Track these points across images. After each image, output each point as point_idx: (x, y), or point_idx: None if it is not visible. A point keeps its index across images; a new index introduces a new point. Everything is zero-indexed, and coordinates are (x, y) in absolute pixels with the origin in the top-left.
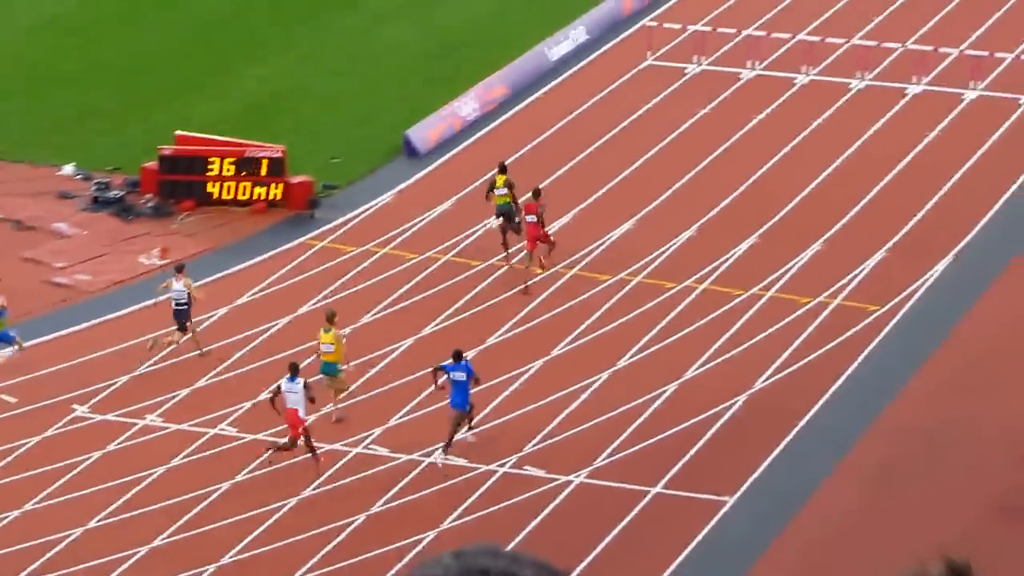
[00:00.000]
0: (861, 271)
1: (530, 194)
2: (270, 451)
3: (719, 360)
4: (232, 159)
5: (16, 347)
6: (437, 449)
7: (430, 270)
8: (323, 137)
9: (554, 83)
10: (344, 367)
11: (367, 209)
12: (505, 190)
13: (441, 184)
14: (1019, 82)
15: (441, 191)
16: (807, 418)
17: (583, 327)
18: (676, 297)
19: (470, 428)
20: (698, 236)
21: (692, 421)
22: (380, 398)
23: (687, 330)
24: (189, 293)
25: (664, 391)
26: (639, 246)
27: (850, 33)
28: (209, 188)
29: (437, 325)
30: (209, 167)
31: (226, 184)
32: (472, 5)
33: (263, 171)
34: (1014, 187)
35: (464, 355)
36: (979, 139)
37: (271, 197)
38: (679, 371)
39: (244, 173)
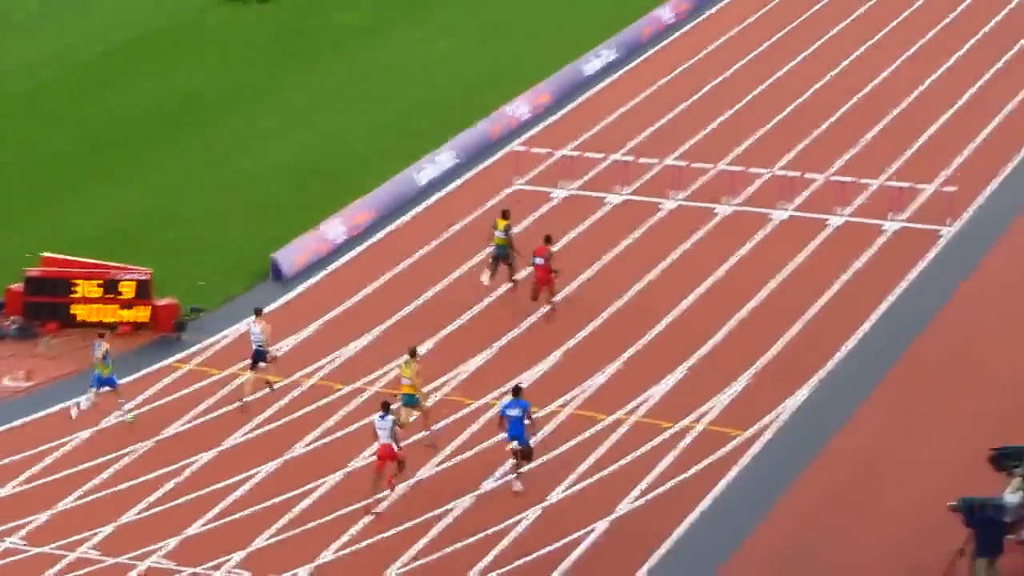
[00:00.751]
0: (725, 395)
1: (543, 239)
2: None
3: (583, 484)
4: (98, 281)
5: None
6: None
7: (295, 393)
8: (190, 260)
9: (421, 207)
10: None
11: (234, 332)
12: (503, 234)
13: (307, 308)
14: (883, 208)
15: (307, 314)
16: (670, 542)
17: (447, 452)
18: (542, 421)
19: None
20: (563, 361)
21: (555, 545)
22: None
23: (551, 455)
24: (265, 337)
25: (527, 515)
26: (503, 376)
27: (717, 158)
28: (74, 310)
29: (301, 449)
30: (74, 289)
31: (92, 306)
32: (341, 129)
33: (129, 294)
34: (880, 310)
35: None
36: (844, 263)
37: (137, 320)
38: (543, 495)
39: (110, 295)
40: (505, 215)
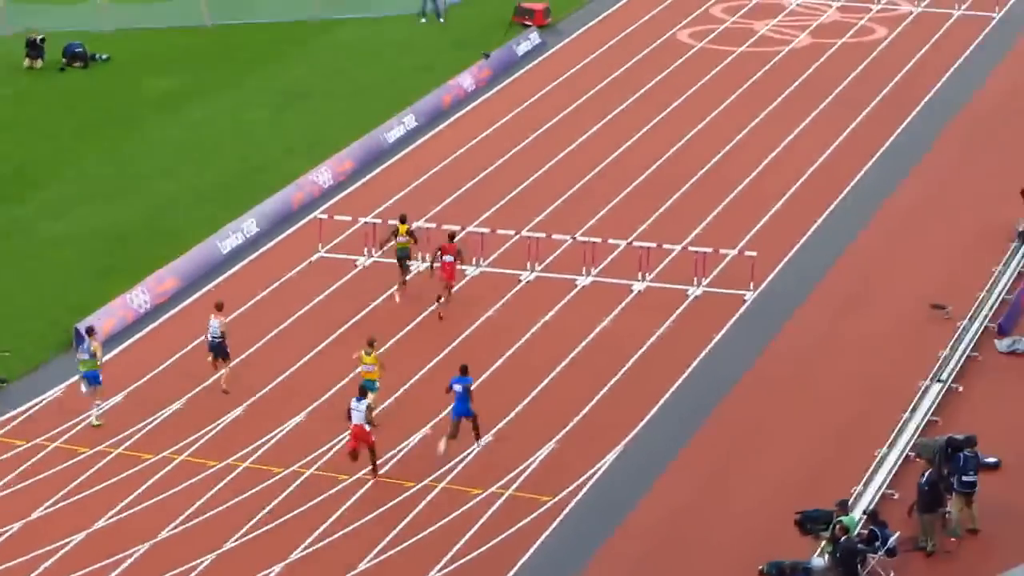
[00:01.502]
0: (533, 461)
1: (447, 238)
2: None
3: (389, 553)
4: None
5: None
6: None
7: (100, 464)
8: None
9: (225, 275)
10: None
11: (37, 403)
12: (406, 238)
13: (112, 377)
14: (686, 274)
15: (112, 384)
16: None
17: (253, 521)
18: (351, 488)
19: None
20: (373, 429)
21: None
22: None
23: (356, 524)
24: (223, 331)
25: None
26: (318, 439)
27: (520, 225)
28: None
29: (109, 519)
30: None
31: None
32: (147, 197)
33: None
34: (685, 374)
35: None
36: (649, 328)
37: None
38: (353, 564)
39: None
40: (403, 219)
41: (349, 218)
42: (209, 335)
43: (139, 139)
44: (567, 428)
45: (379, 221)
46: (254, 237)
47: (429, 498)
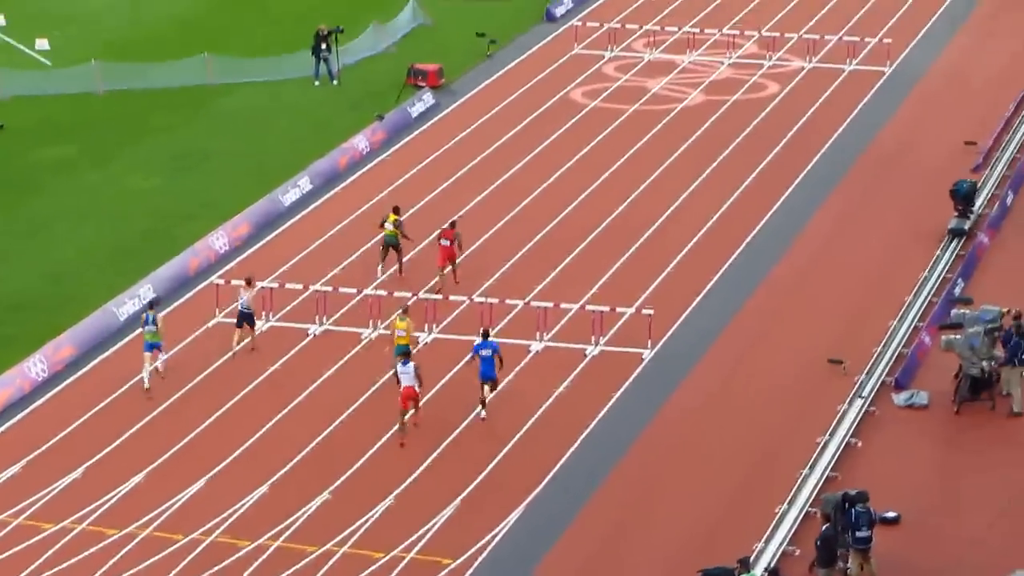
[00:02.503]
0: (435, 523)
1: (447, 224)
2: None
3: None
4: None
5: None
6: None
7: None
8: None
9: (123, 341)
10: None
11: None
12: (392, 226)
13: (10, 446)
14: (584, 333)
15: (10, 454)
16: None
17: None
18: (251, 555)
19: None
20: (270, 492)
21: None
22: None
23: None
24: (251, 303)
25: None
26: (220, 504)
27: (416, 288)
28: None
29: None
30: None
31: None
32: (42, 264)
33: None
34: (584, 433)
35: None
36: (548, 387)
37: None
38: None
39: None
40: (396, 211)
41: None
42: (240, 307)
43: (35, 205)
44: (469, 489)
45: (276, 285)
46: (152, 302)
47: (331, 563)
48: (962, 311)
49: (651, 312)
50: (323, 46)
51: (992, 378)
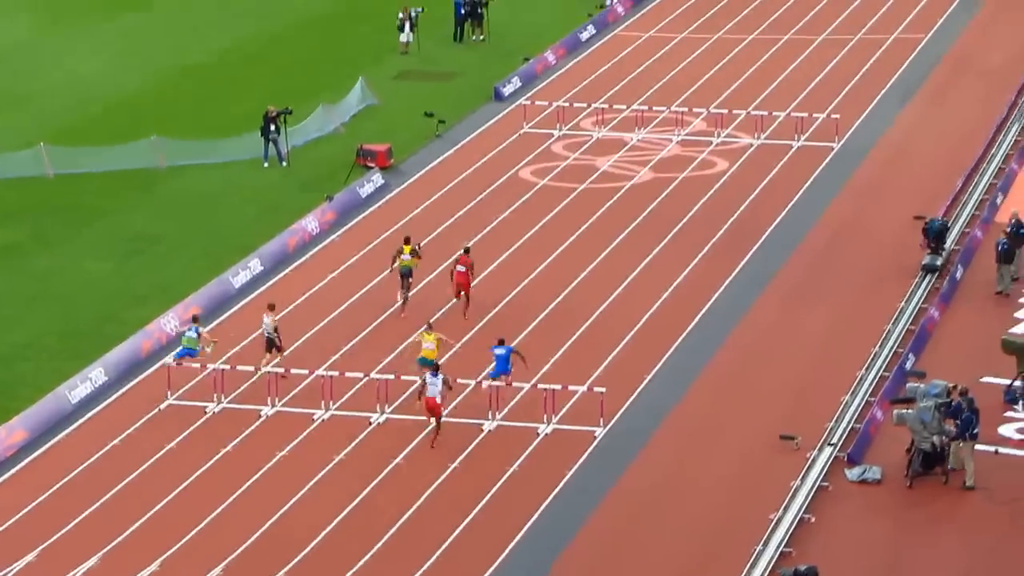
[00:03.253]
0: None
1: (462, 250)
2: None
3: None
4: None
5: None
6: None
7: None
8: None
9: (75, 425)
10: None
11: None
12: (409, 256)
13: None
14: (536, 411)
15: None
16: None
17: None
18: None
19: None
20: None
21: None
22: None
23: None
24: (275, 326)
25: None
26: None
27: (368, 368)
28: None
29: None
30: None
31: None
32: None
33: None
34: (534, 517)
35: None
36: (500, 469)
37: None
38: None
39: None
40: (407, 241)
41: (197, 365)
42: (265, 332)
43: None
44: (421, 569)
45: (227, 367)
46: (103, 386)
47: None
48: (915, 385)
49: (603, 390)
50: (272, 128)
51: (944, 452)
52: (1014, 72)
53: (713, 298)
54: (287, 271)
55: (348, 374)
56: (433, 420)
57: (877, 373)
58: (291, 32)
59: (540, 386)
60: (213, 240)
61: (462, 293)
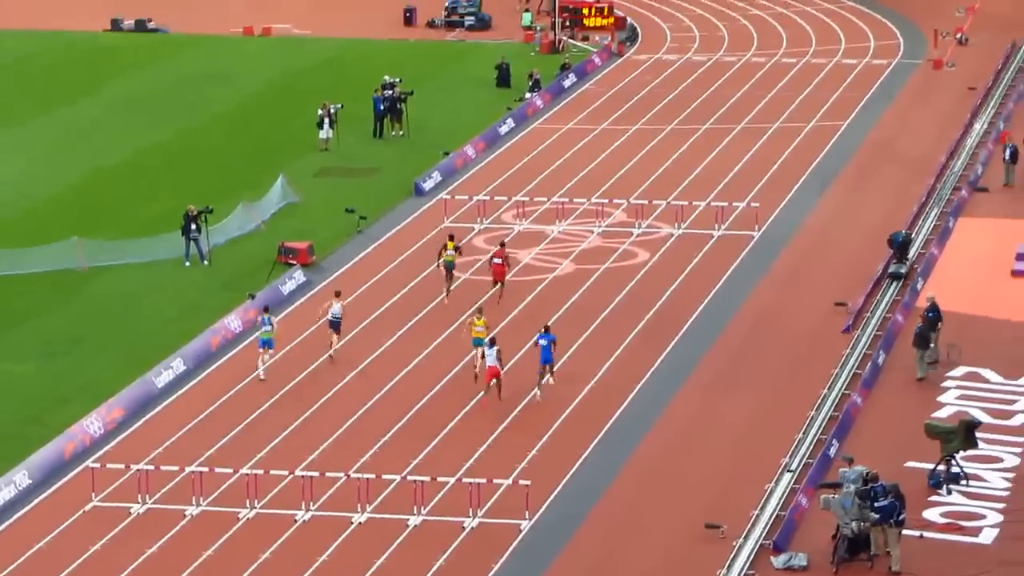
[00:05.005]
0: None
1: (498, 245)
2: (482, 394)
3: None
4: None
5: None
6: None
7: None
8: None
9: None
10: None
11: None
12: (453, 252)
13: None
14: (461, 505)
15: None
16: None
17: None
18: None
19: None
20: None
21: None
22: None
23: None
24: (342, 312)
25: None
26: None
27: (293, 465)
28: None
29: None
30: None
31: None
32: None
33: None
34: None
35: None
36: (426, 563)
37: None
38: None
39: None
40: (451, 238)
41: (122, 466)
42: (330, 315)
43: None
44: None
45: (152, 467)
46: (27, 489)
47: None
48: (843, 470)
49: (528, 483)
50: (193, 226)
51: (868, 537)
52: (931, 158)
53: (637, 388)
54: (211, 370)
55: (273, 472)
56: (495, 381)
57: (801, 460)
58: (210, 130)
59: (465, 480)
60: (136, 340)
61: (499, 283)
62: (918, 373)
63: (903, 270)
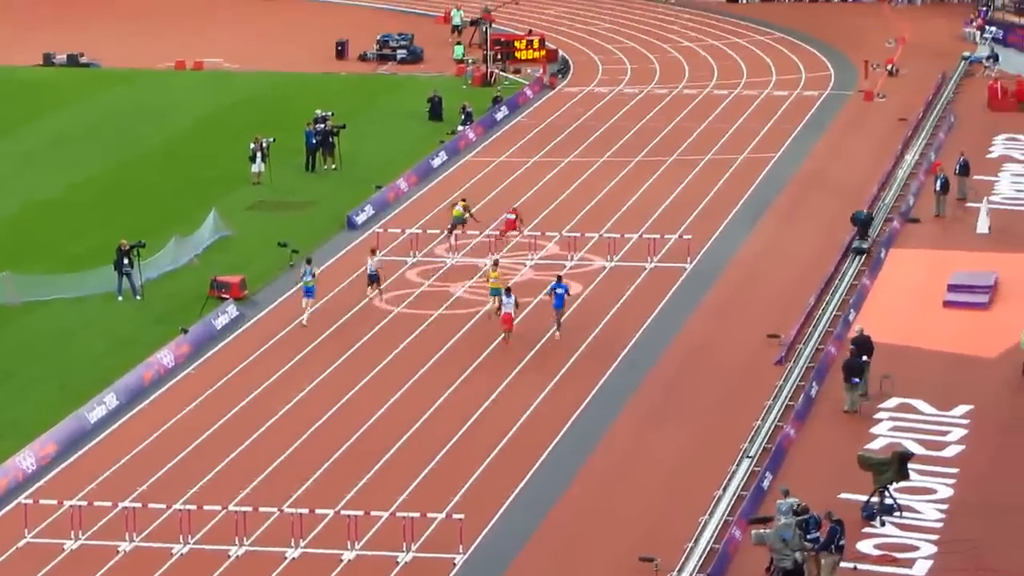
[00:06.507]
0: None
1: (510, 210)
2: (502, 336)
3: None
4: None
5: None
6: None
7: None
8: None
9: None
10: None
11: None
12: (462, 209)
13: None
14: (395, 540)
15: None
16: None
17: None
18: None
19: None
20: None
21: None
22: None
23: None
24: (376, 266)
25: None
26: None
27: (227, 499)
28: None
29: None
30: None
31: None
32: None
33: None
34: None
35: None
36: None
37: None
38: None
39: None
40: (464, 200)
41: (55, 502)
42: (369, 269)
43: None
44: None
45: (85, 503)
46: None
47: None
48: (779, 501)
49: (462, 516)
50: (125, 261)
51: (804, 569)
52: (863, 189)
53: (570, 421)
54: (143, 405)
55: (206, 507)
56: (508, 333)
57: (735, 492)
58: (142, 165)
59: (399, 514)
60: (68, 375)
61: (508, 233)
62: (845, 405)
63: (866, 245)
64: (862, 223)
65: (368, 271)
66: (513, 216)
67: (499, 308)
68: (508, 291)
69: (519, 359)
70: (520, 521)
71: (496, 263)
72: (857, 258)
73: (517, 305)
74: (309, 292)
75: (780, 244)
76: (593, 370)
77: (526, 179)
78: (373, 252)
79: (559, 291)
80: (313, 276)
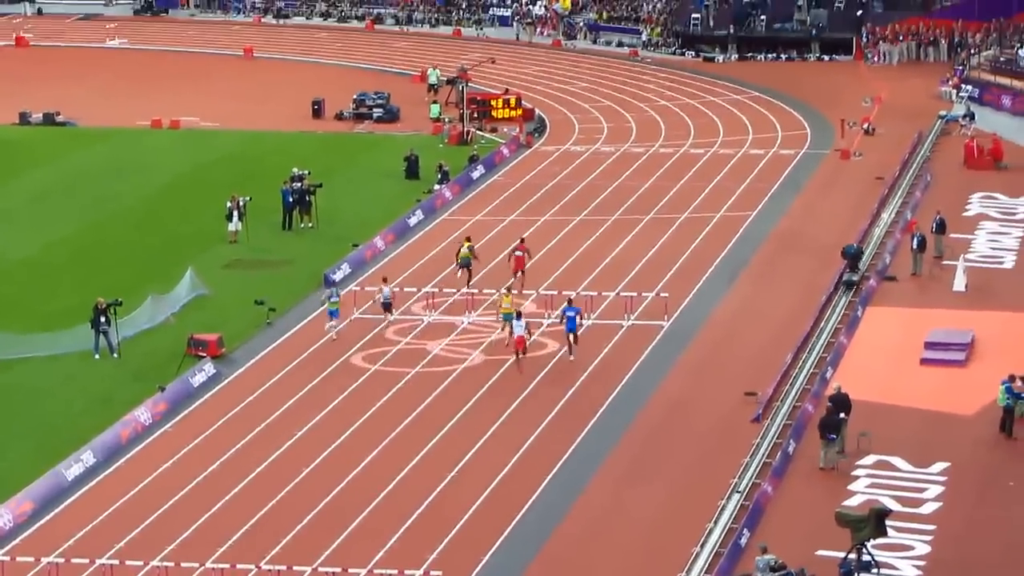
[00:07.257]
0: None
1: (518, 240)
2: (513, 358)
3: None
4: None
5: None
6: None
7: None
8: None
9: None
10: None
11: None
12: (468, 250)
13: None
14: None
15: None
16: None
17: None
18: None
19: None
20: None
21: None
22: None
23: None
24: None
25: None
26: None
27: (204, 558)
28: None
29: None
30: None
31: None
32: None
33: None
34: None
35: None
36: None
37: None
38: None
39: None
40: (468, 239)
41: (32, 559)
42: (381, 298)
43: None
44: None
45: (62, 560)
46: None
47: None
48: (757, 558)
49: (439, 573)
50: (102, 319)
51: None
52: (839, 248)
53: (547, 480)
54: (121, 462)
55: (184, 564)
56: (520, 354)
57: (712, 550)
58: (118, 223)
59: (376, 571)
60: (45, 433)
61: (519, 272)
62: (820, 462)
63: (856, 278)
64: (852, 256)
65: (382, 300)
66: (521, 253)
67: (511, 332)
68: (519, 315)
69: (497, 417)
70: None
71: (509, 289)
72: (847, 290)
73: (529, 332)
74: (333, 314)
75: (757, 302)
76: (570, 428)
77: (502, 238)
78: (385, 280)
79: (570, 314)
80: (338, 297)
